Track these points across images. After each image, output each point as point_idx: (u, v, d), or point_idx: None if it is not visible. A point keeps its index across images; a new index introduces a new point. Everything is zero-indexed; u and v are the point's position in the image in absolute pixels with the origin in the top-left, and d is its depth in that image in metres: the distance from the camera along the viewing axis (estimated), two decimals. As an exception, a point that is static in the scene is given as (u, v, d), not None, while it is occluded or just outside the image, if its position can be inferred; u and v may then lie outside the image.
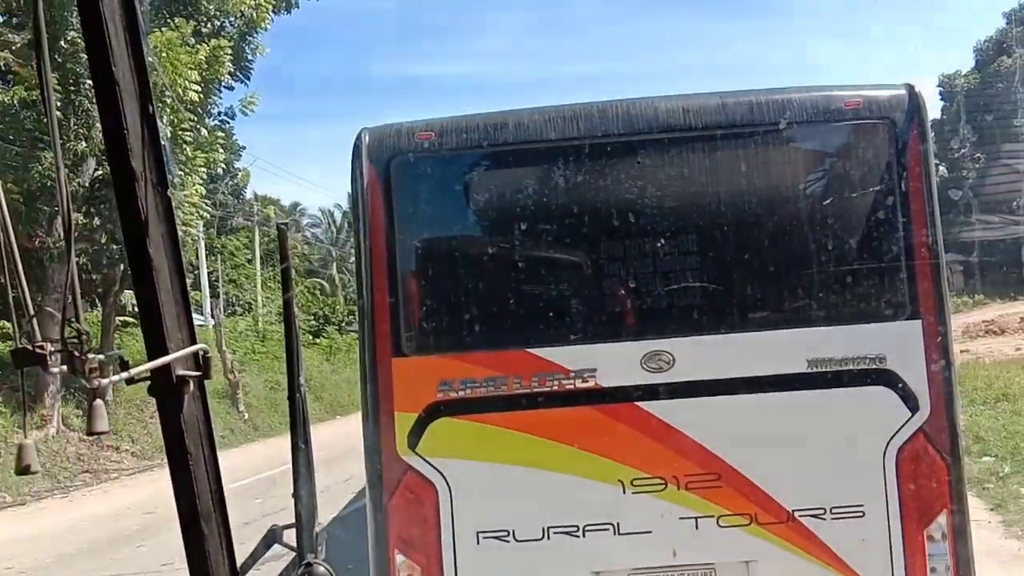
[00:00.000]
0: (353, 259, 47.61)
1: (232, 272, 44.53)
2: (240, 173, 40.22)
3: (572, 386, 4.63)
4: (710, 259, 4.82)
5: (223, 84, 20.16)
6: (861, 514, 4.55)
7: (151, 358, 1.67)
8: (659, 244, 4.77)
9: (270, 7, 20.49)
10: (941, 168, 61.86)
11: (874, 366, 4.56)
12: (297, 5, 22.06)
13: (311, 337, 38.90)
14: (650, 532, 4.58)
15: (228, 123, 22.94)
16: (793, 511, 4.56)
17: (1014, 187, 50.73)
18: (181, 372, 1.71)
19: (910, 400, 4.55)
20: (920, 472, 4.55)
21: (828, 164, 5.01)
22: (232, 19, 20.41)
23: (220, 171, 26.92)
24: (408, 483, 4.60)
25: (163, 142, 1.69)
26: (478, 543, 4.59)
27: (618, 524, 4.59)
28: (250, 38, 21.34)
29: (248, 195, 46.09)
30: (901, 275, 4.66)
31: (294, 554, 2.32)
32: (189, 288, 1.84)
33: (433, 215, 5.07)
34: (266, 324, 36.67)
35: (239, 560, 1.92)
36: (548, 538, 4.60)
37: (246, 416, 26.12)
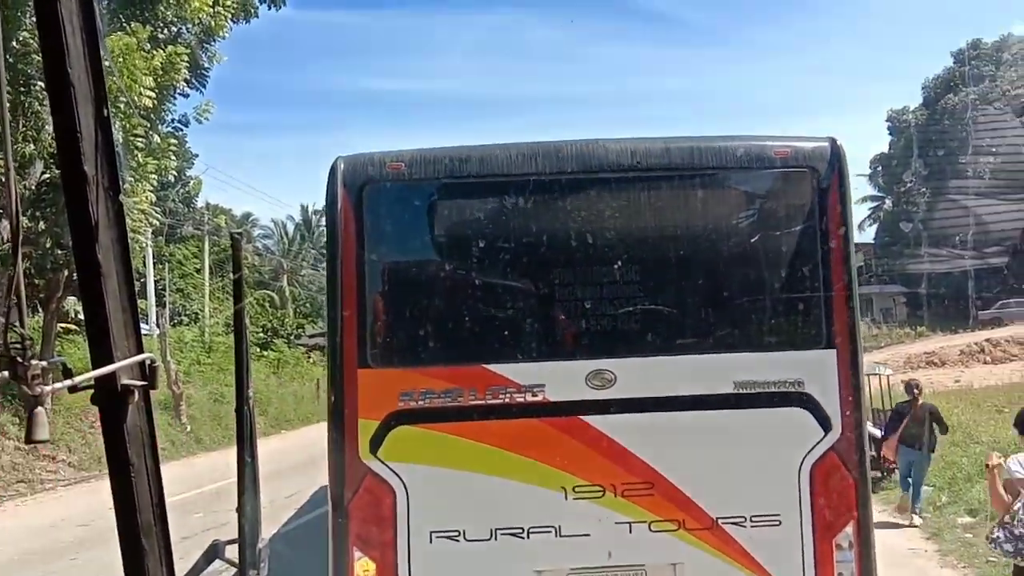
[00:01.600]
0: (303, 272, 46.81)
1: (180, 281, 44.00)
2: (192, 181, 40.62)
3: (523, 400, 4.96)
4: (650, 288, 5.20)
5: (178, 91, 19.88)
6: (778, 523, 4.98)
7: (96, 366, 1.65)
8: (605, 273, 5.15)
9: (229, 15, 20.24)
10: (887, 202, 63.43)
11: (793, 389, 5.00)
12: (256, 15, 21.96)
13: (259, 350, 38.74)
14: (588, 535, 4.94)
15: (181, 130, 22.68)
16: (717, 518, 4.97)
17: (960, 222, 52.23)
18: (126, 381, 1.68)
19: (823, 421, 4.99)
20: (831, 486, 5.00)
21: (758, 205, 5.44)
22: (189, 26, 20.14)
23: (171, 178, 26.48)
24: (368, 485, 4.91)
25: (116, 147, 1.68)
26: (431, 542, 4.90)
27: (560, 527, 4.94)
28: (207, 46, 21.14)
29: (200, 204, 45.72)
30: (819, 308, 5.11)
31: (235, 570, 2.30)
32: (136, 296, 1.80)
33: (400, 239, 5.40)
34: (213, 335, 36.37)
35: (179, 575, 1.91)
36: (495, 539, 4.92)
37: (188, 428, 25.55)
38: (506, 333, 5.19)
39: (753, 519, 4.99)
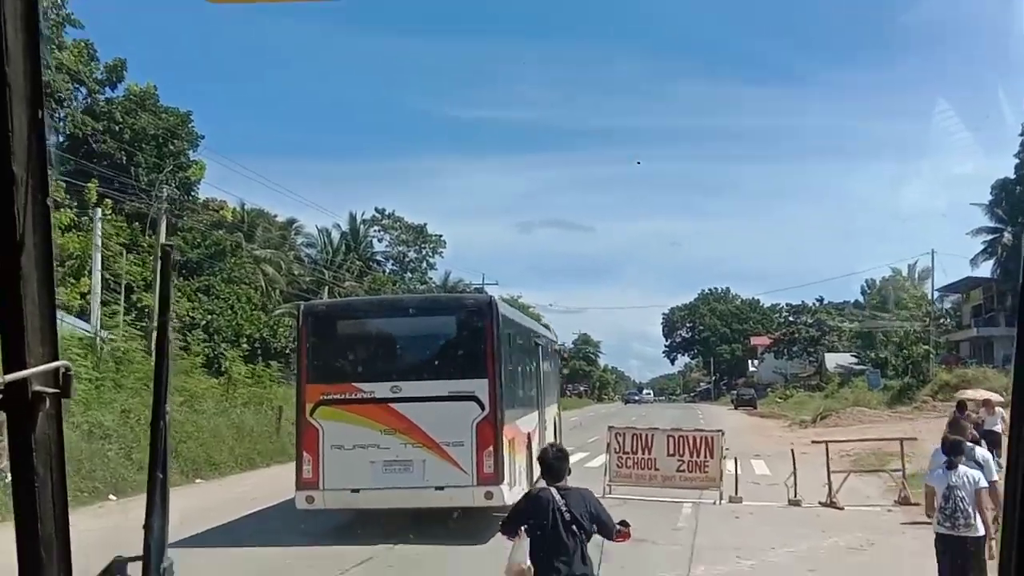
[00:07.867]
0: (346, 283, 62.19)
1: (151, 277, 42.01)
2: (194, 166, 48.40)
3: (367, 396, 17.16)
4: (419, 353, 18.01)
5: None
6: (463, 444, 17.03)
7: (8, 371, 1.97)
8: (403, 348, 18.17)
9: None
10: (1006, 234, 69.25)
11: (470, 394, 17.20)
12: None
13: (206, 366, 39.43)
14: (389, 448, 16.98)
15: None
16: (439, 442, 17.03)
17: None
18: (38, 388, 2.00)
19: (482, 406, 17.05)
20: (484, 431, 17.06)
21: (460, 320, 18.21)
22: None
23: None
24: (310, 427, 17.08)
25: (49, 148, 2.03)
26: (331, 449, 16.99)
27: (379, 444, 17.04)
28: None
29: (203, 193, 50.87)
30: (483, 363, 17.32)
31: None
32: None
33: (325, 337, 18.03)
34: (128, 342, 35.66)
35: None
36: (354, 448, 17.00)
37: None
38: (362, 370, 17.34)
39: (453, 443, 16.83)
